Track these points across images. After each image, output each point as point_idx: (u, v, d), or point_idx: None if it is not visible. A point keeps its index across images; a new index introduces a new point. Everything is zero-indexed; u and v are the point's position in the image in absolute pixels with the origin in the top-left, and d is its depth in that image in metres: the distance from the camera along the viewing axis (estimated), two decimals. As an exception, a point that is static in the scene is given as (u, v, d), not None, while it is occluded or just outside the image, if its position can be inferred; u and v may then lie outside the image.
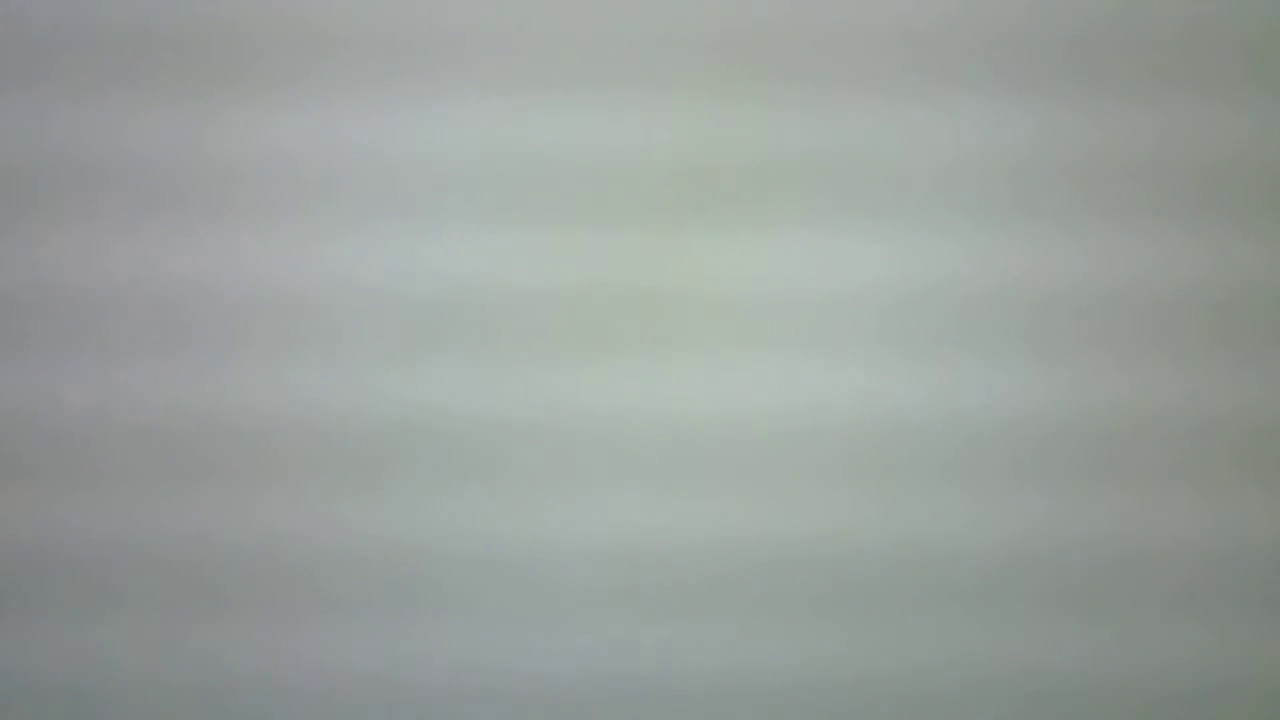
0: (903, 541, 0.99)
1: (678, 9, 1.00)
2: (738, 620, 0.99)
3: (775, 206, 0.99)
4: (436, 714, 0.99)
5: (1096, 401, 1.00)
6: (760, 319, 0.99)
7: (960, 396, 1.00)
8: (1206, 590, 1.00)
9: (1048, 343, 1.00)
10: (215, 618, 0.99)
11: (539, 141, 0.99)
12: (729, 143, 1.00)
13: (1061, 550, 1.00)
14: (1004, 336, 1.00)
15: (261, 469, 0.99)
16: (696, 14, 1.00)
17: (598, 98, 1.00)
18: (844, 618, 0.99)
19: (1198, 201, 1.00)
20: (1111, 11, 1.00)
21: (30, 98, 0.99)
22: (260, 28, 0.99)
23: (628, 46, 1.00)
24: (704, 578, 0.99)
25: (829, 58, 1.00)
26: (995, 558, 1.00)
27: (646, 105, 1.00)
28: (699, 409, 0.99)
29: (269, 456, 0.99)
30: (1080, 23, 1.00)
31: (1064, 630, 1.00)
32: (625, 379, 0.99)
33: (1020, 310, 1.00)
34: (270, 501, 0.99)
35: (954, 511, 1.00)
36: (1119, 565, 1.00)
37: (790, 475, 0.99)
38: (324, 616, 0.99)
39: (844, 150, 1.00)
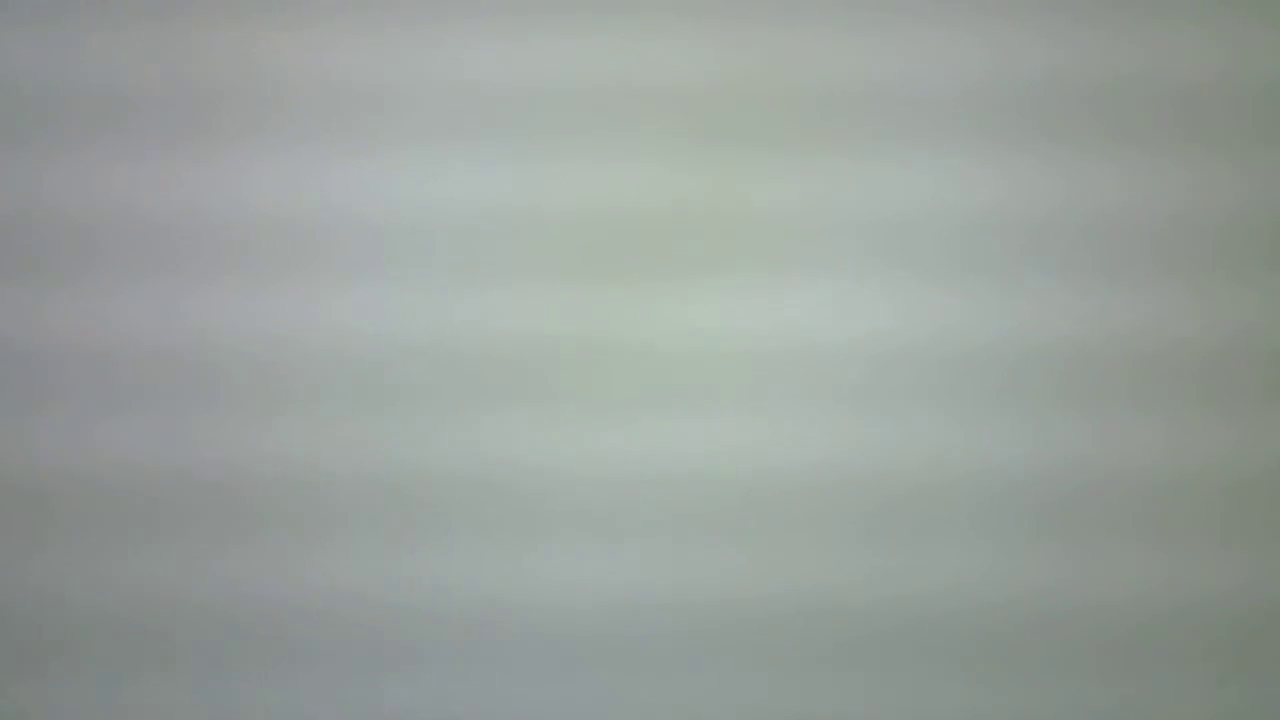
0: (900, 463, 0.99)
1: (642, 64, 1.00)
2: (729, 545, 0.99)
3: (740, 257, 0.99)
4: (438, 639, 0.99)
5: (1069, 453, 1.00)
6: (765, 245, 0.99)
7: (929, 449, 1.00)
8: (1234, 514, 1.00)
9: (1038, 265, 1.00)
10: (222, 542, 0.99)
11: (500, 194, 1.00)
12: (696, 193, 1.00)
13: (1047, 474, 1.00)
14: (980, 386, 1.00)
15: (277, 522, 0.99)
16: (660, 68, 1.00)
17: (562, 148, 1.00)
18: (836, 543, 1.00)
19: (1182, 126, 1.00)
20: (1087, 63, 1.00)
21: (14, 154, 1.00)
22: (251, 82, 1.00)
23: (593, 99, 1.00)
24: (701, 504, 0.99)
25: (795, 110, 1.00)
26: (985, 482, 1.00)
27: (611, 156, 1.00)
28: (660, 462, 0.99)
29: (277, 510, 0.99)
30: (1058, 74, 1.01)
31: (1052, 555, 0.99)
32: (580, 432, 0.99)
33: (992, 376, 1.00)
34: (291, 557, 0.99)
35: (949, 434, 0.99)
36: (1101, 489, 1.00)
37: (788, 401, 0.99)
38: (328, 540, 0.99)
39: (807, 201, 1.00)
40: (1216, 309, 1.00)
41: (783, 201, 1.00)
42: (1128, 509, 1.00)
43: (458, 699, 0.99)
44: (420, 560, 0.99)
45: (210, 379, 0.99)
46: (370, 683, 0.99)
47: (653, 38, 1.00)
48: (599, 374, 0.99)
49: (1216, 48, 1.01)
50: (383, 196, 0.99)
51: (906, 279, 1.00)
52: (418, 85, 1.00)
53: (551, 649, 0.99)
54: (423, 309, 0.99)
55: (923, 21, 1.00)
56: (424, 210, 1.00)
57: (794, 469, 0.99)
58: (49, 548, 0.99)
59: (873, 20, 1.00)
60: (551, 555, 0.99)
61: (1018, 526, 1.00)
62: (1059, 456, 1.00)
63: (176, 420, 0.99)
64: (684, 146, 1.00)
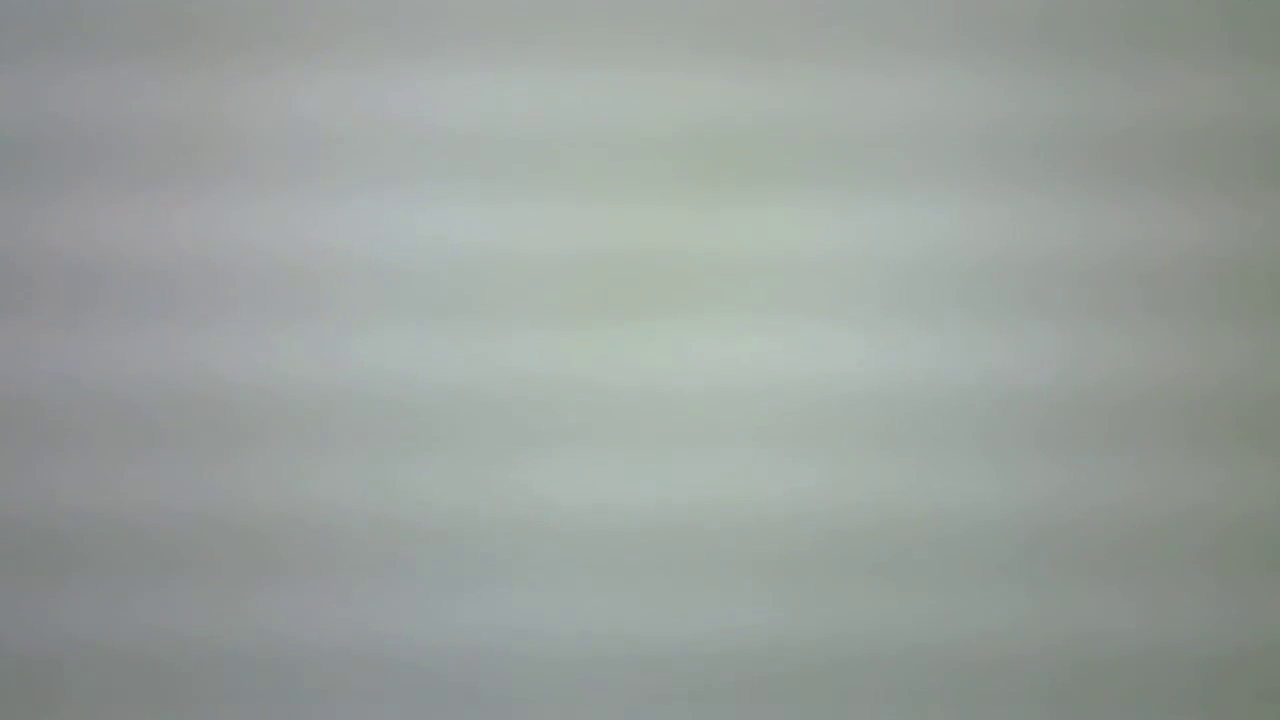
0: (918, 508, 0.99)
1: (633, 106, 0.99)
2: (741, 590, 1.00)
3: (778, 174, 0.99)
4: (428, 680, 1.00)
5: (1104, 368, 1.00)
6: (767, 283, 0.99)
7: (973, 363, 1.00)
8: (1219, 556, 1.00)
9: (1055, 308, 1.00)
10: (191, 586, 0.99)
11: (539, 112, 0.99)
12: (733, 112, 0.99)
13: (1078, 519, 1.00)
14: (969, 428, 1.00)
15: (242, 437, 0.99)
16: (653, 109, 0.99)
17: (599, 69, 0.99)
18: (852, 589, 1.00)
19: (1189, 170, 1.00)
20: (1094, 100, 1.01)
21: (33, 66, 0.99)
22: (242, 122, 0.99)
23: (630, 18, 1.00)
24: (710, 547, 0.99)
25: (831, 30, 0.99)
26: (1012, 526, 1.00)
27: (648, 75, 0.99)
28: (707, 374, 0.99)
29: (253, 424, 0.99)
30: (1064, 114, 1.01)
31: (1084, 600, 1.00)
32: (629, 345, 0.99)
33: (1028, 276, 1.00)
34: (253, 469, 0.99)
35: (969, 476, 0.99)
36: (1135, 533, 1.00)
37: (802, 440, 0.99)
38: (337, 581, 0.99)
39: (799, 242, 0.99)
40: (1217, 353, 1.00)
41: (775, 242, 0.99)
42: (1111, 550, 1.00)
43: (482, 611, 1.00)
44: (426, 596, 1.00)
45: (213, 419, 0.99)
46: (387, 593, 0.99)
47: (642, 82, 0.99)
48: (591, 414, 0.99)
49: (1222, 92, 1.00)
50: (383, 238, 0.99)
51: (899, 319, 1.00)
52: (412, 126, 0.99)
53: (561, 683, 1.00)
54: (421, 349, 0.99)
55: (922, 63, 1.00)
56: (420, 250, 0.99)
57: (789, 506, 0.99)
58: (57, 588, 0.99)
59: (863, 62, 1.00)
60: (560, 590, 1.00)
61: (996, 569, 1.00)
62: (1046, 497, 1.00)
63: (176, 460, 0.99)
64: (675, 188, 0.99)
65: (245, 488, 0.99)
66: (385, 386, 0.99)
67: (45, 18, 0.99)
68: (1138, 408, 1.00)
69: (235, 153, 0.99)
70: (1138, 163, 1.00)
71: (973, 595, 1.00)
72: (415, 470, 0.99)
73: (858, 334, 1.00)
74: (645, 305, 0.99)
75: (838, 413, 0.99)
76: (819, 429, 1.00)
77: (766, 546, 0.99)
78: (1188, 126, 1.00)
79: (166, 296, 0.99)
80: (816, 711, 1.00)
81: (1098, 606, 1.00)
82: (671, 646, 0.99)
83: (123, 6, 0.99)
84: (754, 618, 0.99)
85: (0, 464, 0.99)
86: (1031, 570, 1.00)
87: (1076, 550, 1.00)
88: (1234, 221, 1.00)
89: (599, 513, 0.99)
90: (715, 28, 1.00)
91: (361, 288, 0.99)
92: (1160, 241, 1.00)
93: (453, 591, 0.99)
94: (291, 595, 0.99)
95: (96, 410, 0.99)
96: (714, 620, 0.99)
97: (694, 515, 0.99)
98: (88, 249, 0.99)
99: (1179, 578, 1.00)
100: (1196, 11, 1.00)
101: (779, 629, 0.99)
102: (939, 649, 1.00)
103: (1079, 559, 1.00)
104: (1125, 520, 1.00)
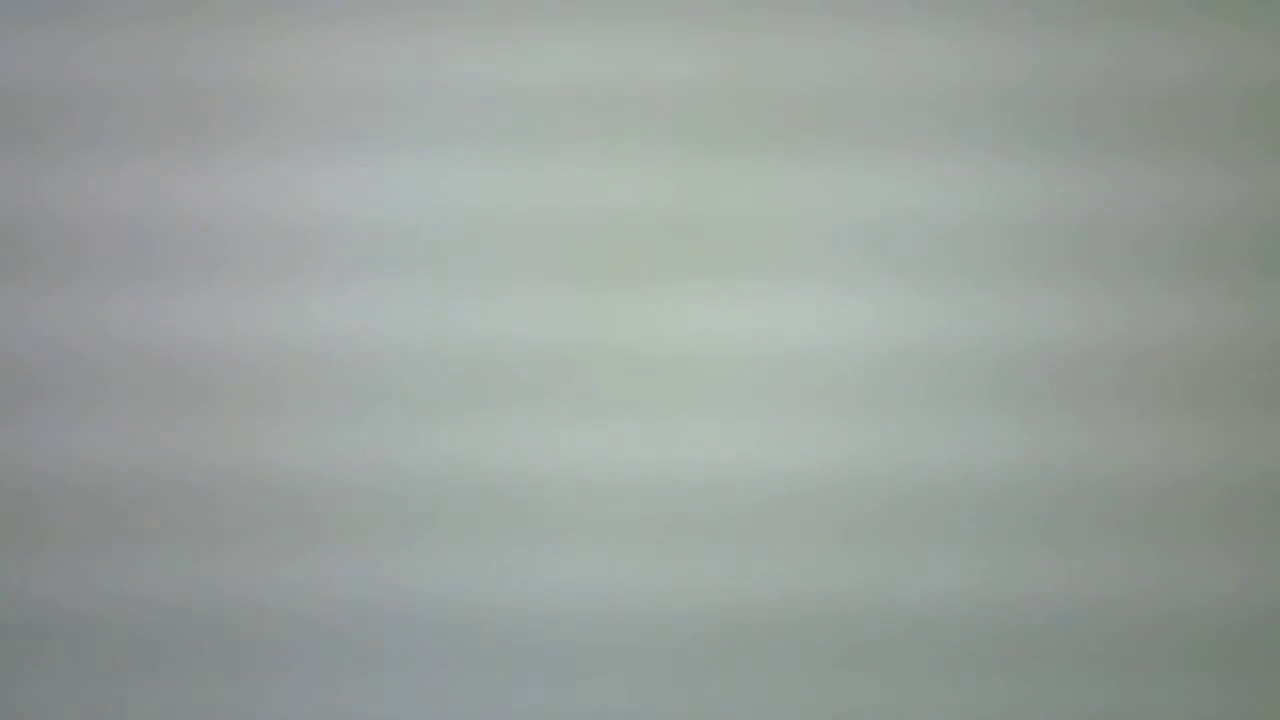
0: (900, 468, 0.99)
1: (633, 70, 1.00)
2: (737, 546, 0.99)
3: (781, 139, 0.99)
4: (431, 643, 0.99)
5: (1106, 331, 1.00)
6: (769, 249, 0.99)
7: (955, 327, 1.00)
8: (1218, 520, 1.00)
9: (1054, 271, 1.00)
10: (209, 548, 0.99)
11: (541, 74, 1.00)
12: (687, 199, 1.00)
13: (1048, 479, 1.00)
14: (968, 390, 1.00)
15: (270, 524, 0.99)
16: (651, 74, 1.00)
17: (602, 28, 1.00)
18: (835, 547, 0.99)
19: (1180, 133, 1.00)
20: (1104, 73, 1.01)
21: (29, 33, 1.00)
22: (243, 86, 1.00)
23: (584, 105, 1.00)
24: (695, 509, 0.99)
25: (784, 116, 1.00)
26: (988, 487, 0.99)
27: (651, 37, 1.00)
28: (708, 340, 0.99)
29: (277, 513, 0.99)
30: (1074, 84, 1.01)
31: (1052, 559, 0.99)
32: (630, 309, 0.99)
33: (981, 380, 1.00)
34: (284, 562, 0.99)
35: (970, 436, 0.99)
36: (1101, 494, 1.00)
37: (802, 404, 0.99)
38: (321, 545, 0.99)
39: (796, 206, 1.00)
40: (1203, 313, 1.00)
41: (773, 207, 1.00)
42: (1119, 513, 1.00)
43: (452, 704, 1.00)
44: (412, 564, 0.99)
45: (203, 383, 0.99)
46: (358, 687, 0.99)
47: (643, 44, 1.00)
48: (591, 378, 0.99)
49: (1201, 52, 1.01)
50: (376, 200, 1.00)
51: (895, 283, 1.00)
52: (410, 89, 1.00)
53: (546, 653, 0.99)
54: (415, 313, 0.99)
55: (906, 26, 1.00)
56: (416, 214, 1.00)
57: (786, 472, 0.99)
58: (38, 551, 0.99)
59: (857, 26, 1.00)
60: (544, 560, 0.99)
61: (1008, 530, 1.00)
62: (1047, 460, 1.00)
63: (169, 424, 0.99)
64: (674, 152, 1.00)
65: (233, 448, 0.99)
66: (380, 348, 0.99)
67: (20, 109, 1.00)
68: (1138, 368, 1.00)
69: (229, 116, 1.00)
70: (1131, 122, 1.01)
71: (971, 556, 0.99)
72: (415, 431, 0.99)
73: (856, 299, 1.00)
74: (647, 270, 1.00)
75: (838, 377, 0.99)
76: (819, 393, 0.99)
77: (769, 509, 0.99)
78: (1163, 86, 1.01)
79: (158, 258, 0.99)
80: (810, 673, 0.99)
81: (1071, 565, 0.99)
82: (672, 606, 0.99)
83: (106, 97, 1.00)
84: (754, 579, 0.99)
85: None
86: (1042, 530, 0.99)
87: (1088, 510, 0.99)
88: (1215, 181, 1.00)
89: (592, 476, 0.99)
90: (676, 117, 1.00)
91: (360, 251, 0.99)
92: (1154, 200, 1.01)
93: (452, 551, 0.99)
94: (270, 557, 0.99)
95: (86, 371, 0.99)
96: (714, 581, 0.99)
97: (694, 478, 0.99)
98: (72, 212, 0.99)
99: (1193, 539, 1.00)
100: (1205, 106, 1.01)
101: (777, 589, 0.99)
102: (944, 610, 0.99)
103: (1091, 519, 0.99)
104: (1135, 481, 1.00)
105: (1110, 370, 1.00)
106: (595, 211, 1.00)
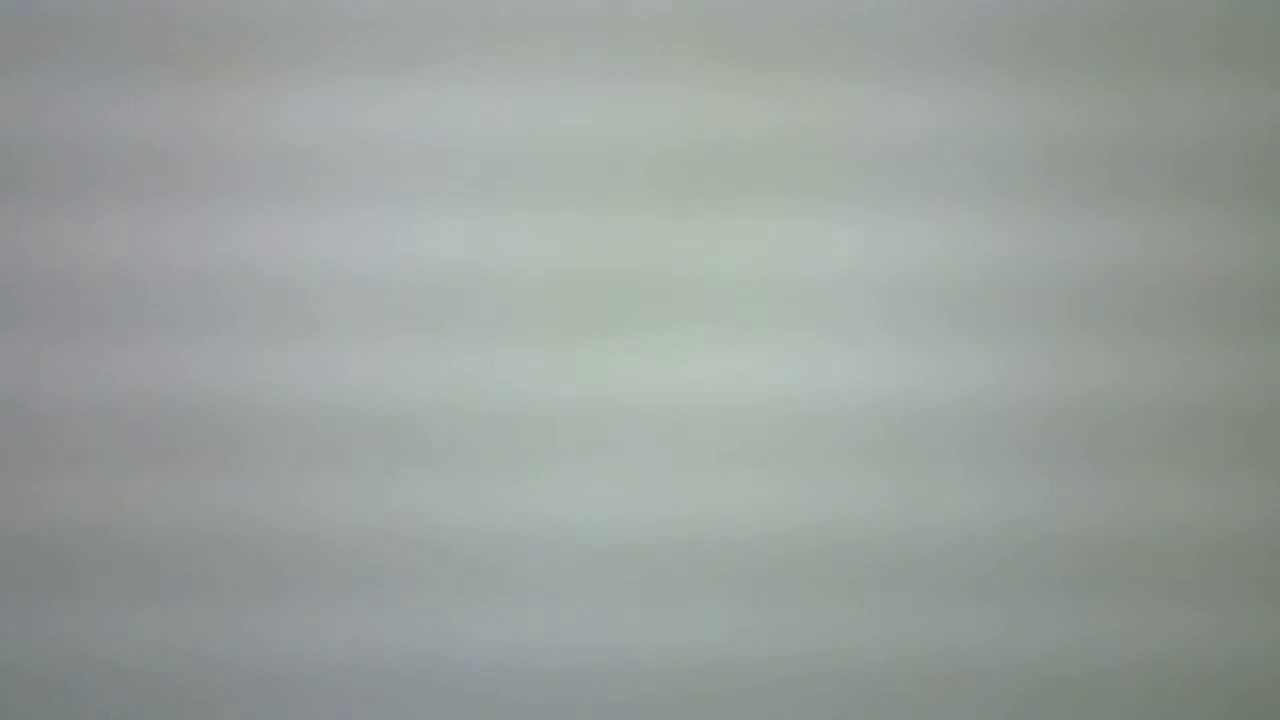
0: (904, 523, 0.99)
1: (631, 118, 0.99)
2: (728, 605, 1.00)
3: (769, 189, 0.99)
4: (409, 698, 1.00)
5: (1091, 384, 1.00)
6: (757, 300, 0.99)
7: (959, 379, 1.00)
8: (1206, 575, 1.00)
9: (1043, 324, 1.00)
10: (186, 600, 1.00)
11: (528, 126, 0.99)
12: (720, 128, 0.99)
13: (1061, 534, 1.00)
14: (1000, 318, 1.00)
15: (236, 452, 1.00)
16: (631, 124, 0.99)
17: (585, 83, 0.99)
18: (838, 603, 1.00)
19: (1183, 183, 1.00)
20: (1069, 120, 1.00)
21: (24, 82, 0.99)
22: (254, 13, 0.99)
23: (616, 33, 0.99)
24: (698, 562, 1.00)
25: (823, 46, 0.99)
26: (996, 542, 1.00)
27: (636, 90, 0.99)
28: (692, 392, 0.99)
29: (247, 439, 1.00)
30: (1061, 5, 1.01)
31: (1066, 615, 1.00)
32: (618, 362, 0.99)
33: (1015, 292, 1.00)
34: (247, 484, 1.00)
35: (956, 492, 0.99)
36: (1117, 549, 1.00)
37: (790, 457, 0.99)
38: (295, 600, 1.00)
39: (835, 134, 0.99)
40: (1209, 369, 1.00)
41: (761, 258, 0.99)
42: (1097, 566, 1.00)
43: (471, 629, 1.01)
44: (416, 610, 1.00)
45: (207, 434, 0.99)
46: (378, 612, 1.00)
47: (634, 95, 0.99)
48: (582, 429, 0.99)
49: (1219, 108, 1.00)
50: (365, 253, 0.99)
51: (886, 333, 1.00)
52: (401, 142, 0.99)
53: (556, 696, 1.00)
54: (412, 364, 0.99)
55: (910, 72, 0.99)
56: (407, 267, 0.99)
57: (777, 521, 1.00)
58: (55, 603, 0.99)
59: (858, 76, 0.99)
60: (548, 605, 1.00)
61: (985, 584, 1.00)
62: (1036, 513, 1.00)
63: (169, 475, 0.99)
64: (664, 203, 0.99)
65: (241, 502, 0.99)
66: (378, 401, 0.99)
67: (32, 35, 0.99)
68: (1128, 424, 1.00)
69: (227, 168, 0.99)
70: (1132, 179, 1.00)
71: (962, 610, 1.00)
72: (409, 485, 1.00)
73: (848, 350, 1.00)
74: (635, 321, 1.00)
75: (827, 429, 1.00)
76: (808, 445, 1.00)
77: (755, 561, 1.00)
78: (1184, 142, 1.00)
79: (157, 312, 1.00)
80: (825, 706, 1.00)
81: (1083, 622, 1.00)
82: (661, 660, 1.00)
83: (112, 23, 0.99)
84: (742, 632, 1.00)
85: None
86: (1019, 585, 1.00)
87: (1063, 566, 1.00)
88: (1228, 238, 1.00)
89: (591, 527, 1.00)
90: (704, 43, 0.99)
91: (352, 303, 1.00)
92: (1153, 258, 1.00)
93: (448, 606, 1.00)
94: (288, 610, 0.99)
95: (90, 425, 0.99)
96: (704, 633, 1.00)
97: (684, 530, 1.00)
98: (79, 264, 0.99)
99: (1164, 593, 1.00)
100: (1196, 27, 1.00)
101: (767, 643, 1.00)
102: (930, 663, 1.00)
103: (1066, 574, 1.00)
104: (1112, 536, 1.00)
105: (1105, 423, 1.00)
106: (583, 263, 1.00)
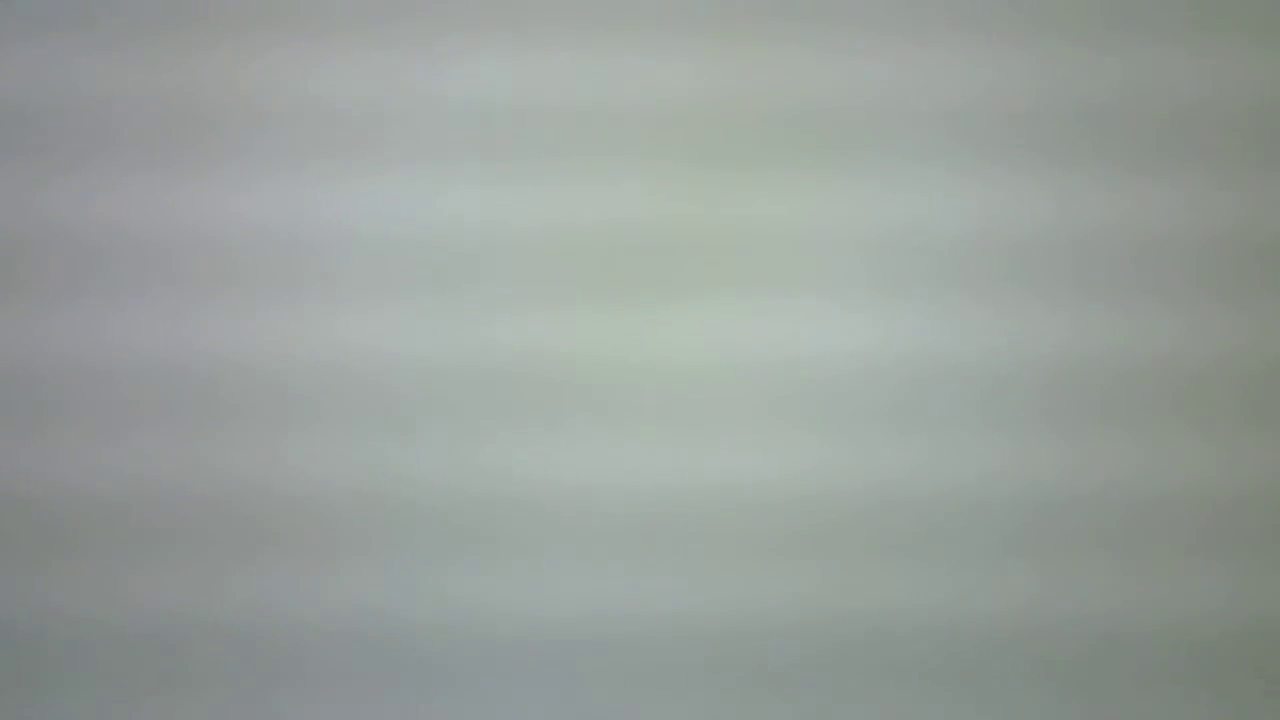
0: (922, 481, 0.99)
1: (639, 83, 1.00)
2: (739, 561, 0.99)
3: (781, 153, 0.99)
4: (448, 656, 0.99)
5: (1103, 344, 1.00)
6: (772, 262, 0.99)
7: (974, 339, 1.00)
8: (1224, 530, 1.00)
9: (1055, 284, 1.00)
10: (219, 557, 0.99)
11: (546, 88, 0.99)
12: (698, 213, 1.00)
13: (1080, 492, 1.00)
14: (967, 404, 1.00)
15: (235, 414, 0.99)
16: (657, 87, 1.00)
17: (604, 44, 1.00)
18: (865, 564, 1.00)
19: (1183, 146, 1.00)
20: (1097, 85, 1.01)
21: (37, 44, 1.00)
22: (249, 100, 1.00)
23: (591, 119, 1.00)
24: (711, 520, 0.99)
25: (800, 129, 1.00)
26: (1016, 499, 1.00)
27: (612, 176, 1.00)
28: (711, 351, 0.99)
29: (244, 401, 0.99)
30: (1070, 95, 1.01)
31: (1086, 572, 1.00)
32: (631, 322, 0.99)
33: (980, 394, 1.00)
34: (248, 445, 1.00)
35: (974, 448, 1.00)
36: (1136, 506, 1.00)
37: (806, 417, 0.99)
38: (329, 557, 0.99)
39: (802, 219, 1.00)
40: (1202, 328, 1.00)
41: (775, 220, 1.00)
42: (1110, 526, 1.00)
43: (468, 715, 1.00)
44: (424, 575, 0.99)
45: (209, 396, 0.99)
46: (381, 699, 0.99)
47: (646, 59, 1.00)
48: (598, 391, 1.00)
49: (1204, 68, 1.01)
50: (378, 216, 1.00)
51: (895, 297, 1.00)
52: (413, 104, 1.00)
53: (559, 665, 0.99)
54: (421, 326, 1.00)
55: (914, 42, 1.00)
56: (418, 229, 1.00)
57: (794, 483, 1.00)
58: (51, 565, 0.99)
59: (865, 40, 1.00)
60: (557, 570, 1.00)
61: (1001, 544, 1.00)
62: (1046, 472, 1.00)
63: (177, 437, 0.99)
64: (677, 166, 1.00)
65: (242, 463, 0.99)
66: (385, 363, 0.99)
67: (24, 122, 1.00)
68: (1138, 383, 1.00)
69: (235, 131, 1.00)
70: (1133, 137, 1.01)
71: (978, 570, 1.00)
72: (414, 446, 0.99)
73: (862, 312, 1.00)
74: (650, 284, 1.00)
75: (843, 390, 1.00)
76: (824, 406, 1.00)
77: (772, 523, 0.99)
78: (1167, 103, 1.01)
79: (166, 273, 1.00)
80: (820, 689, 0.99)
81: (1104, 582, 1.00)
82: (673, 625, 0.99)
83: (93, 108, 1.00)
84: (759, 595, 0.99)
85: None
86: (1038, 545, 1.00)
87: (1081, 525, 1.00)
88: (1223, 197, 1.01)
89: (599, 490, 0.99)
90: (714, 8, 1.00)
91: (362, 266, 1.00)
92: (1155, 216, 1.01)
93: (450, 568, 0.99)
94: (286, 570, 0.99)
95: (95, 386, 0.99)
96: (718, 598, 0.99)
97: (697, 492, 0.99)
98: (89, 226, 0.99)
99: (1185, 553, 1.00)
100: (1203, 118, 1.01)
101: (784, 606, 0.99)
102: (944, 625, 0.99)
103: (1084, 534, 1.00)
104: (1129, 496, 1.00)
105: (1107, 384, 1.00)
106: (599, 225, 1.00)
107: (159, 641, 0.99)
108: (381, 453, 0.99)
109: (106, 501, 0.99)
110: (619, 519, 0.99)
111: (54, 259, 1.00)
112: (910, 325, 1.00)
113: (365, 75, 1.00)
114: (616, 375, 1.00)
